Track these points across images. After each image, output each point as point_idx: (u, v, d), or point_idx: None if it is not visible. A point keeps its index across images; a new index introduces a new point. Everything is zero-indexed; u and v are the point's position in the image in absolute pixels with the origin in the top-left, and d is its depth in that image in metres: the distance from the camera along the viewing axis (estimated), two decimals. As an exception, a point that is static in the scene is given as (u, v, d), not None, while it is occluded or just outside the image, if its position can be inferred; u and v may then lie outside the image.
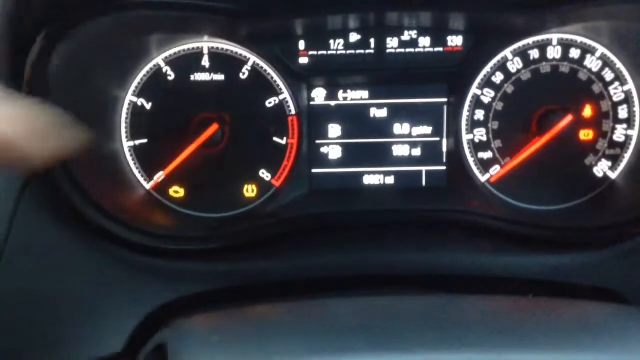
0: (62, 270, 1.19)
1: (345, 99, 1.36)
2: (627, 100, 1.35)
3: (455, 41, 1.33)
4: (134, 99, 1.35)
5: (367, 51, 1.33)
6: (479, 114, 1.37)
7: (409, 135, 1.38)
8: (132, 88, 1.34)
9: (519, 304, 0.97)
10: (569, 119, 1.33)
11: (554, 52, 1.33)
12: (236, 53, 1.34)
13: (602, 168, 1.38)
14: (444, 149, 1.38)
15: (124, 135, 1.36)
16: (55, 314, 1.17)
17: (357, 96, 1.36)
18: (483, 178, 1.39)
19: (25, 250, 1.16)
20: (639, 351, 0.80)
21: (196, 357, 0.79)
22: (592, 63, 1.33)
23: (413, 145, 1.38)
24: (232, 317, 0.97)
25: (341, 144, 1.38)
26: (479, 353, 0.76)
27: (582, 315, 0.90)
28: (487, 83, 1.35)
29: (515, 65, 1.34)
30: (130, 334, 1.19)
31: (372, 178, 1.39)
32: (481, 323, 0.85)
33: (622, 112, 1.35)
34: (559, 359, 0.77)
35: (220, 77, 1.34)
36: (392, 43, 1.33)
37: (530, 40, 1.33)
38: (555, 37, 1.33)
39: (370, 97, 1.36)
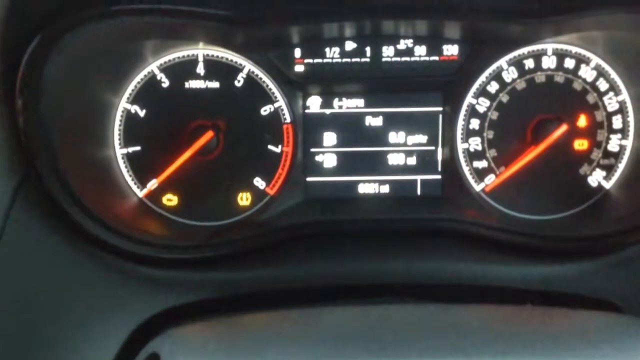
0: (52, 277, 1.17)
1: (340, 107, 1.36)
2: (622, 110, 1.35)
3: (451, 50, 1.33)
4: (128, 106, 1.34)
5: (363, 59, 1.33)
6: (474, 123, 1.37)
7: (404, 144, 1.37)
8: (126, 95, 1.33)
9: (518, 312, 0.96)
10: (563, 128, 1.33)
11: (548, 62, 1.34)
12: (231, 60, 1.33)
13: (596, 178, 1.38)
14: (439, 157, 1.38)
15: (117, 142, 1.35)
16: (44, 323, 1.15)
17: (352, 104, 1.36)
18: (478, 187, 1.39)
19: (16, 257, 1.14)
20: (637, 360, 0.80)
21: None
22: (587, 73, 1.34)
23: (408, 154, 1.38)
24: (227, 325, 0.95)
25: (336, 153, 1.38)
26: (478, 361, 0.76)
27: (581, 324, 0.90)
28: (482, 92, 1.35)
29: (510, 74, 1.35)
30: (121, 344, 1.17)
31: (367, 187, 1.39)
32: (480, 331, 0.85)
33: (617, 122, 1.36)
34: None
35: (215, 84, 1.34)
36: (387, 51, 1.33)
37: (525, 50, 1.33)
38: (550, 47, 1.33)
39: (366, 106, 1.36)
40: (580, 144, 1.37)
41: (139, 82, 1.33)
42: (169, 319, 1.19)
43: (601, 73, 1.34)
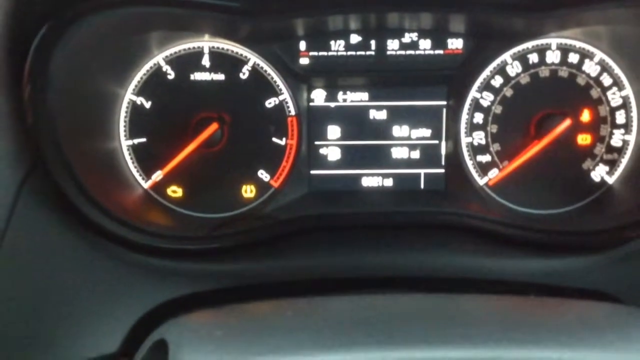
0: (58, 267, 1.18)
1: (345, 100, 1.37)
2: (625, 105, 1.36)
3: (456, 44, 1.33)
4: (134, 98, 1.34)
5: (368, 52, 1.34)
6: (478, 117, 1.37)
7: (408, 138, 1.38)
8: (132, 86, 1.34)
9: (522, 302, 0.97)
10: (567, 123, 1.34)
11: (553, 57, 1.34)
12: (236, 53, 1.34)
13: (599, 172, 1.38)
14: (443, 151, 1.38)
15: (122, 133, 1.35)
16: (49, 312, 1.16)
17: (356, 98, 1.37)
18: (481, 181, 1.40)
19: (22, 246, 1.14)
20: (640, 350, 0.80)
21: (198, 351, 0.78)
22: (591, 68, 1.34)
23: (412, 147, 1.38)
24: (234, 312, 0.96)
25: (340, 146, 1.38)
26: (483, 349, 0.76)
27: (585, 314, 0.90)
28: (487, 86, 1.36)
29: (514, 69, 1.35)
30: (126, 334, 1.18)
31: (371, 180, 1.40)
32: (485, 320, 0.85)
33: (620, 117, 1.36)
34: (562, 356, 0.77)
35: (220, 76, 1.34)
36: (392, 45, 1.33)
37: (529, 45, 1.34)
38: (554, 41, 1.34)
39: (370, 99, 1.36)
40: (584, 139, 1.37)
41: (144, 74, 1.34)
42: (173, 310, 1.19)
43: (605, 68, 1.34)
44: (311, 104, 1.36)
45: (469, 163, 1.39)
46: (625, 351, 0.78)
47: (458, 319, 0.85)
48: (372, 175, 1.39)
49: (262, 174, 1.38)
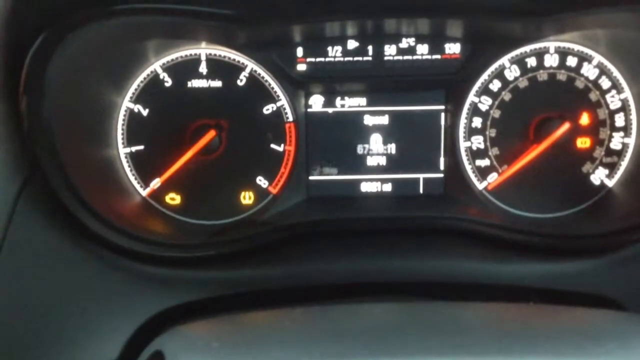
0: (56, 276, 1.18)
1: (342, 106, 1.36)
2: (624, 108, 1.35)
3: (453, 49, 1.33)
4: (131, 105, 1.34)
5: (365, 58, 1.33)
6: (477, 122, 1.37)
7: (407, 143, 1.37)
8: (129, 94, 1.34)
9: (521, 310, 0.97)
10: (566, 126, 1.33)
11: (551, 60, 1.34)
12: (234, 59, 1.34)
13: (599, 176, 1.38)
14: (442, 156, 1.38)
15: (120, 141, 1.35)
16: (48, 321, 1.16)
17: (354, 103, 1.36)
18: (480, 185, 1.39)
19: (20, 255, 1.14)
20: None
21: (195, 363, 0.78)
22: (589, 71, 1.34)
23: (410, 152, 1.38)
24: (230, 323, 0.96)
25: (338, 151, 1.38)
26: (481, 358, 0.76)
27: (585, 322, 0.90)
28: (485, 90, 1.35)
29: (512, 73, 1.35)
30: (125, 342, 1.18)
31: (370, 185, 1.39)
32: (483, 329, 0.85)
33: (619, 120, 1.36)
34: (561, 365, 0.76)
35: (217, 83, 1.34)
36: (390, 50, 1.33)
37: (527, 48, 1.33)
38: (552, 45, 1.33)
39: (368, 104, 1.36)
40: (583, 142, 1.37)
41: (141, 82, 1.34)
42: (172, 317, 1.19)
43: (603, 71, 1.34)
44: (309, 110, 1.36)
45: (468, 167, 1.39)
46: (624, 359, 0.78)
47: (456, 328, 0.85)
48: (371, 180, 1.39)
49: (260, 180, 1.38)
